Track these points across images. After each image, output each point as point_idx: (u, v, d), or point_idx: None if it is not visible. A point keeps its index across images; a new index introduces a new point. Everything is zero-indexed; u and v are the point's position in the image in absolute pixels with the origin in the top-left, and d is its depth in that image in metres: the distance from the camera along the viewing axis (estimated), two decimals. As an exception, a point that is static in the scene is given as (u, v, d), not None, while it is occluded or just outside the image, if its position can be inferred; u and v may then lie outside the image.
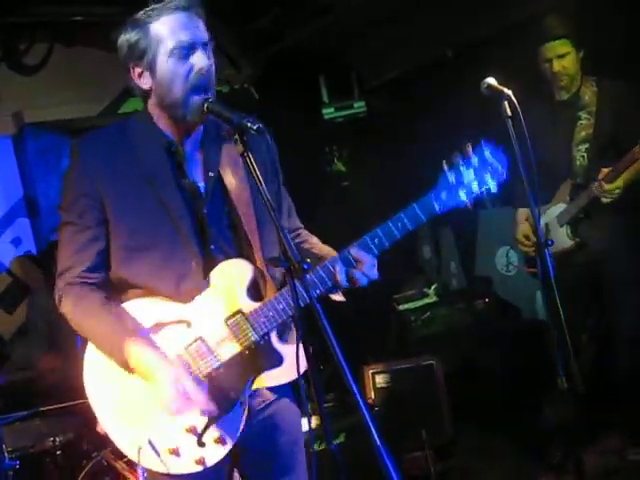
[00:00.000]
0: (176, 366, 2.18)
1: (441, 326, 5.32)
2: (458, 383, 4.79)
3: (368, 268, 2.25)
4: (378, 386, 4.59)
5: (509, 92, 2.71)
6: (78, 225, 2.25)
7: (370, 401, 4.48)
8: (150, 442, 2.18)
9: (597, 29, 4.17)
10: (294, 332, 2.30)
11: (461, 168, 2.24)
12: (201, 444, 2.20)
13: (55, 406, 3.62)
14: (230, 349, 2.22)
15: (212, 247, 2.27)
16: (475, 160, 2.25)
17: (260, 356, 2.24)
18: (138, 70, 2.25)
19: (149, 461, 2.20)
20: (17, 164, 4.90)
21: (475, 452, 4.59)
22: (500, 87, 2.74)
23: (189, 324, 2.24)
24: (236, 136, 2.06)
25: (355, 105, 6.08)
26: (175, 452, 2.18)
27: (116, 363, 2.20)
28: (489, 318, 5.42)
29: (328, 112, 6.06)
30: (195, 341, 2.23)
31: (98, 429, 2.20)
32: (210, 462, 2.21)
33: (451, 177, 2.24)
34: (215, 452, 2.21)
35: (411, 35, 5.28)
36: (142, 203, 2.24)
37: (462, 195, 2.23)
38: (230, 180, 2.32)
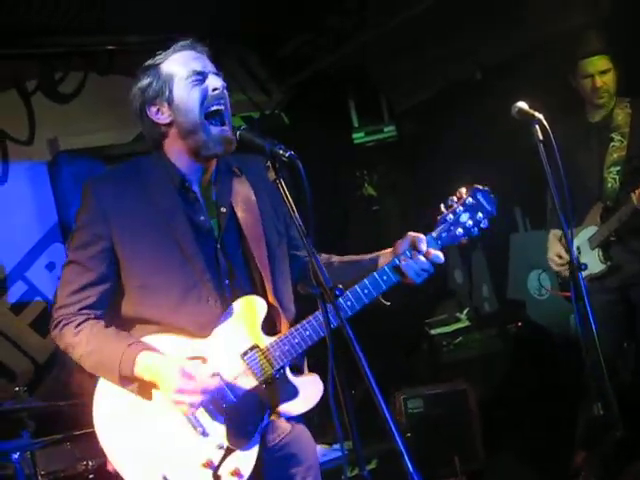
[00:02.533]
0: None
1: (473, 350, 5.27)
2: (491, 408, 4.74)
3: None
4: (410, 411, 4.55)
5: (540, 116, 2.71)
6: (84, 266, 2.28)
7: (402, 427, 4.44)
8: (165, 478, 2.16)
9: (630, 49, 4.13)
10: (306, 364, 2.37)
11: (457, 210, 2.36)
12: (217, 477, 2.18)
13: (87, 430, 3.65)
14: (246, 384, 2.24)
15: (227, 282, 2.30)
16: (469, 201, 2.37)
17: (276, 389, 2.26)
18: (154, 108, 2.29)
19: None
20: (52, 190, 4.99)
21: (509, 478, 4.51)
22: (531, 111, 2.74)
23: (204, 360, 2.25)
24: (268, 163, 2.10)
25: (385, 129, 6.10)
26: None
27: (121, 382, 2.19)
28: (522, 342, 5.36)
29: (358, 137, 6.07)
30: (213, 376, 2.22)
31: (109, 467, 2.17)
32: None
33: (449, 217, 2.36)
34: None
35: (439, 57, 5.29)
36: (156, 243, 2.27)
37: (459, 232, 2.37)
38: (242, 215, 2.35)
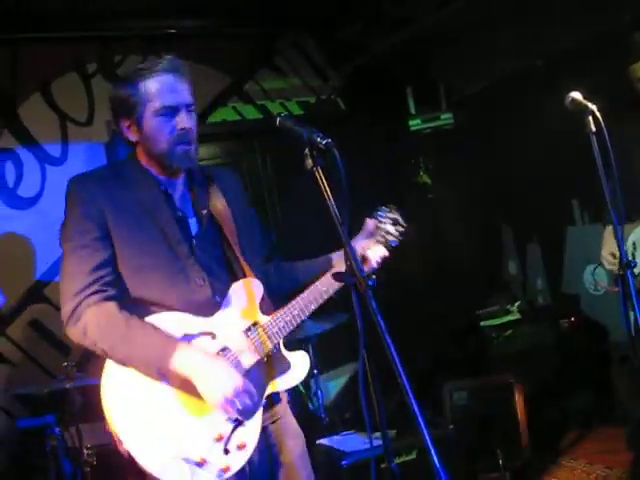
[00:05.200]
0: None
1: (523, 344, 5.18)
2: (538, 403, 4.66)
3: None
4: (456, 403, 4.51)
5: (593, 107, 2.64)
6: (92, 248, 2.30)
7: (446, 419, 4.41)
8: (178, 456, 2.18)
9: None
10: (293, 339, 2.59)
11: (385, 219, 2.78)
12: (226, 452, 2.27)
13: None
14: (250, 358, 2.38)
15: (212, 268, 2.42)
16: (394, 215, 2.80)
17: (273, 363, 2.44)
18: (126, 123, 2.41)
19: (175, 476, 2.18)
20: (109, 171, 5.09)
21: (553, 477, 4.44)
22: (585, 101, 2.67)
23: (214, 336, 2.35)
24: (307, 151, 2.10)
25: (442, 117, 6.02)
26: (203, 463, 2.21)
27: (156, 376, 2.21)
28: (574, 337, 5.25)
29: (415, 124, 6.01)
30: (222, 350, 2.35)
31: (121, 449, 2.18)
32: (235, 468, 2.28)
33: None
34: (239, 458, 2.30)
35: (499, 44, 5.19)
36: (143, 231, 2.35)
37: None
38: (219, 216, 2.49)
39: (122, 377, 2.23)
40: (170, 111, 2.36)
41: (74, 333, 2.27)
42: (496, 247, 6.46)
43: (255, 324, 2.42)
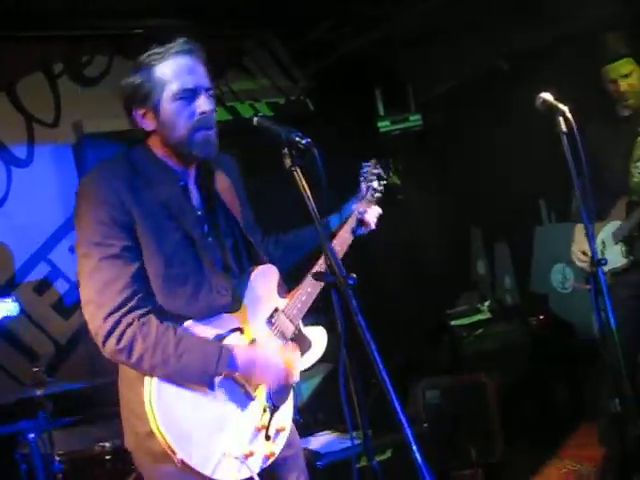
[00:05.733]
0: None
1: (494, 343, 5.23)
2: (510, 401, 4.71)
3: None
4: (428, 402, 4.54)
5: (564, 108, 2.67)
6: (123, 259, 2.18)
7: (419, 417, 4.43)
8: (227, 454, 2.22)
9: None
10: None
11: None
12: (268, 437, 2.34)
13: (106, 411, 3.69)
14: (278, 343, 2.44)
15: (234, 269, 2.42)
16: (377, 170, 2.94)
17: (297, 343, 2.51)
18: (141, 111, 2.28)
19: (226, 473, 2.21)
20: (77, 173, 5.02)
21: (526, 472, 4.48)
22: (555, 102, 2.70)
23: (242, 330, 2.37)
24: (285, 150, 2.09)
25: (411, 118, 6.05)
26: (250, 455, 2.27)
27: (206, 382, 2.19)
28: (544, 335, 5.32)
29: (383, 125, 6.03)
30: (252, 342, 2.38)
31: (176, 460, 2.14)
32: (277, 450, 2.37)
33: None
34: (280, 440, 2.39)
35: (467, 46, 5.24)
36: (168, 237, 2.25)
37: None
38: (227, 199, 2.46)
39: (167, 391, 2.18)
40: (189, 94, 2.25)
41: (115, 351, 2.15)
42: (465, 247, 6.52)
43: (276, 310, 2.46)
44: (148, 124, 2.29)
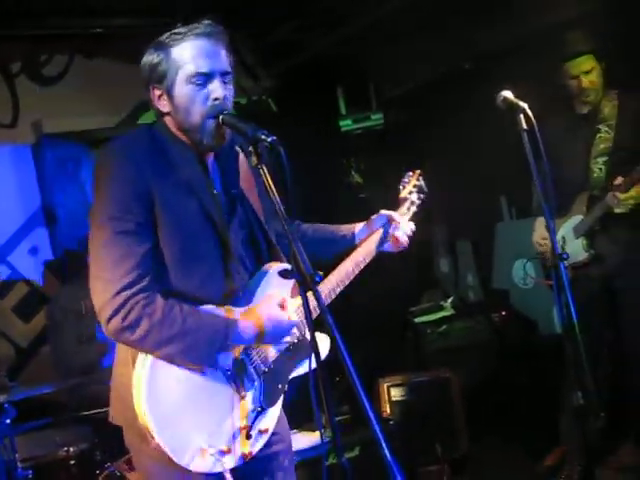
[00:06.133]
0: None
1: (457, 339, 5.28)
2: (474, 397, 4.76)
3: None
4: (394, 399, 4.56)
5: (524, 105, 2.71)
6: (136, 235, 2.14)
7: (385, 414, 4.46)
8: (205, 447, 2.19)
9: (617, 41, 4.15)
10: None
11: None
12: (249, 437, 2.30)
13: (69, 415, 3.65)
14: (274, 353, 2.40)
15: (248, 256, 2.39)
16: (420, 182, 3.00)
17: (298, 349, 2.43)
18: (157, 92, 2.25)
19: (202, 465, 2.19)
20: (36, 173, 4.95)
21: (491, 467, 4.54)
22: (516, 100, 2.74)
23: None
24: (250, 148, 2.08)
25: (372, 117, 6.08)
26: (228, 452, 2.25)
27: (214, 356, 2.18)
28: (506, 331, 5.39)
29: (345, 124, 6.06)
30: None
31: (152, 445, 2.14)
32: (255, 450, 2.34)
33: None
34: (259, 442, 2.36)
35: (429, 46, 5.28)
36: (188, 210, 2.23)
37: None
38: (247, 188, 2.41)
39: (160, 373, 2.16)
40: (203, 78, 2.19)
41: (120, 328, 2.11)
42: (427, 245, 6.56)
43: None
44: (163, 105, 2.26)
